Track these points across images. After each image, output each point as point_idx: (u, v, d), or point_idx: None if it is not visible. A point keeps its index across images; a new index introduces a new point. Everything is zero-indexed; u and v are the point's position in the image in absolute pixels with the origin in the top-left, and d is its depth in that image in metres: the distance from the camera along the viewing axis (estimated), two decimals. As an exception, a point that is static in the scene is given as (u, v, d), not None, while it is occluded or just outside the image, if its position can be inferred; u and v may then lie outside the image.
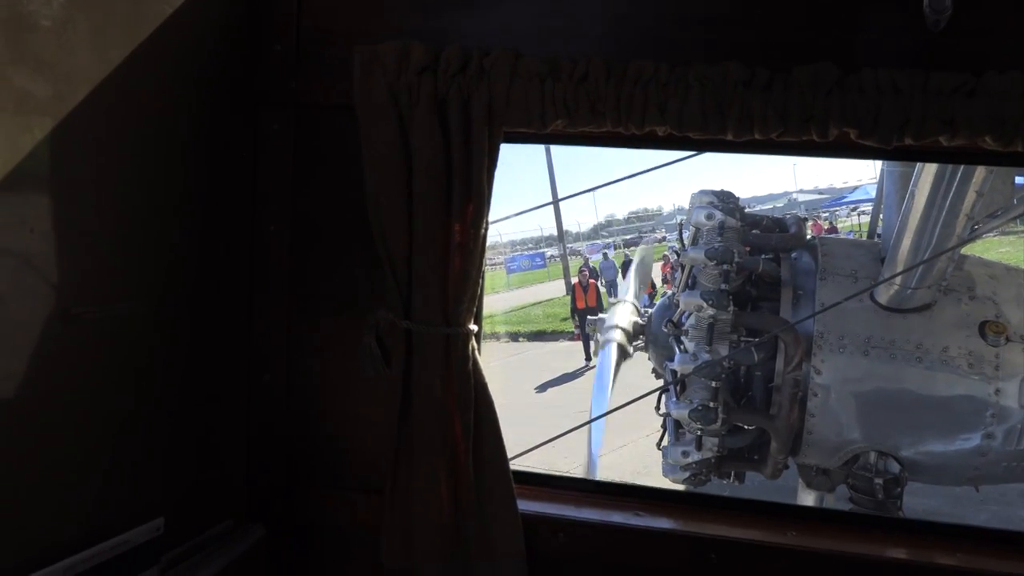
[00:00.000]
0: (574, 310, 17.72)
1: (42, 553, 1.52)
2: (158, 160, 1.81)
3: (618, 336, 6.22)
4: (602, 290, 18.49)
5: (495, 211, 2.05)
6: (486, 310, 2.17)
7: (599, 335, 6.55)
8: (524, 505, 2.07)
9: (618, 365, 6.15)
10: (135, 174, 1.74)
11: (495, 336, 20.20)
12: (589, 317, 7.37)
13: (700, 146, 2.03)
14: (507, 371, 15.47)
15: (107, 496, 1.71)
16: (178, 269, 1.91)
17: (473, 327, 1.98)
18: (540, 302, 25.24)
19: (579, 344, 17.09)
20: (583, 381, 14.84)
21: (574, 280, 17.96)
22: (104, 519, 1.68)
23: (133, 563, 1.71)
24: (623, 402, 3.43)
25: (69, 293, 1.58)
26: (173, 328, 1.90)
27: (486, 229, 1.94)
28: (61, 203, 1.55)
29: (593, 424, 5.88)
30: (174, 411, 1.92)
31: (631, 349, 6.25)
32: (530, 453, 2.44)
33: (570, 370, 15.88)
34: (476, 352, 2.00)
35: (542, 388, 14.68)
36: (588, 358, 16.00)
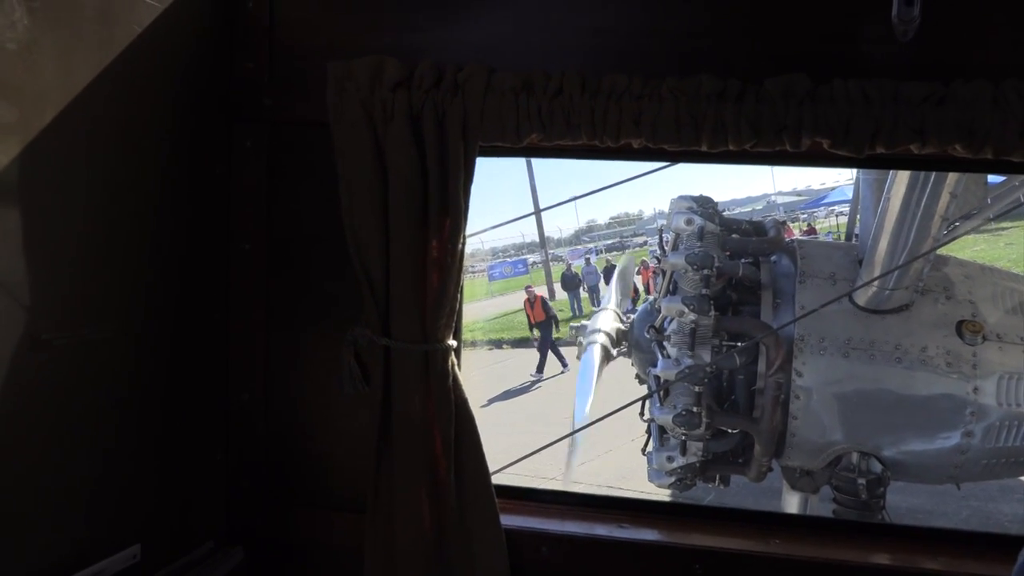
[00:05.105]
0: (530, 325, 18.01)
1: None
2: (130, 179, 1.79)
3: (601, 339, 6.24)
4: (549, 298, 18.56)
5: (476, 220, 2.05)
6: (468, 317, 2.16)
7: (583, 340, 6.56)
8: (507, 519, 2.06)
9: (601, 366, 6.16)
10: (106, 194, 1.71)
11: (473, 344, 20.09)
12: (572, 324, 7.39)
13: (675, 157, 2.04)
14: (490, 381, 15.43)
15: (81, 524, 1.68)
16: (152, 289, 1.88)
17: (452, 343, 1.96)
18: (523, 308, 25.18)
19: (569, 350, 17.13)
20: (561, 385, 14.86)
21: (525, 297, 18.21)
22: (78, 548, 1.65)
23: (109, 592, 1.68)
24: (608, 410, 3.44)
25: (39, 319, 1.55)
26: (148, 350, 1.87)
27: (463, 244, 1.93)
28: (30, 226, 1.52)
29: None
30: (151, 434, 1.89)
31: (614, 351, 6.27)
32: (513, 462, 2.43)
33: (553, 373, 15.92)
34: (456, 368, 1.98)
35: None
36: (540, 370, 16.47)
